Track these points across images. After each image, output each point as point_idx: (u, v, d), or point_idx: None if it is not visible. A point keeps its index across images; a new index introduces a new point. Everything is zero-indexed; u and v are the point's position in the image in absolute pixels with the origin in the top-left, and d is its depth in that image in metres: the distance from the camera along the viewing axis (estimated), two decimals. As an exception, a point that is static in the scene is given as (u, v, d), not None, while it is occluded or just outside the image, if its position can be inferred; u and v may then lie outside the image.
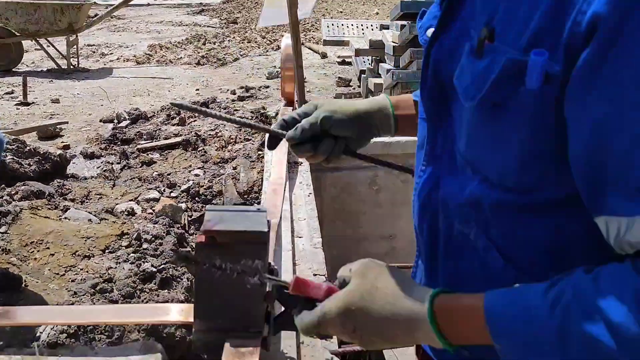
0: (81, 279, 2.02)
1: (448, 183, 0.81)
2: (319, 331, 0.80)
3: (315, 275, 1.73)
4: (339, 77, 6.77)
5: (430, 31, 0.83)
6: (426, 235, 0.87)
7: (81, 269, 2.09)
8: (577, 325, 0.59)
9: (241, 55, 8.40)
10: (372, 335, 0.73)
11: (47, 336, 1.74)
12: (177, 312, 1.18)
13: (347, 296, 0.75)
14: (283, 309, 1.16)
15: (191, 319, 1.18)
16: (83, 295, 1.96)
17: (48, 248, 2.18)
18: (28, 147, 2.94)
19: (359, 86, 6.36)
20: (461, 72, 0.72)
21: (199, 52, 8.52)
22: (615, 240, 0.60)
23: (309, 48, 8.86)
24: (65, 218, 2.46)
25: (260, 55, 8.48)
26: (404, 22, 4.59)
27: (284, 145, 2.87)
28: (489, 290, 0.68)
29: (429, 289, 0.72)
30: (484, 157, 0.74)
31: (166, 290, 2.09)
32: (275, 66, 7.14)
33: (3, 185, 2.61)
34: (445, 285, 0.77)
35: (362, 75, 6.04)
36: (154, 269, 2.11)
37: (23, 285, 1.93)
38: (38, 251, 2.16)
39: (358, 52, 5.78)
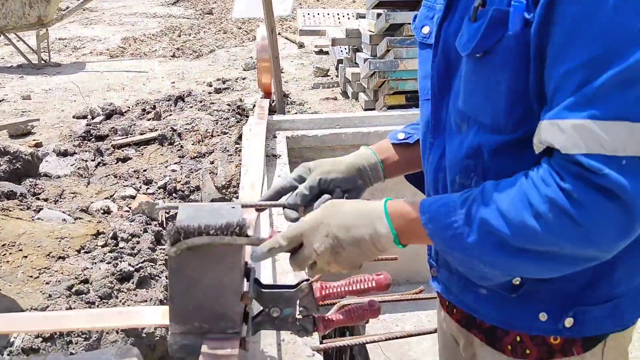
0: (56, 281, 1.98)
1: (449, 146, 0.95)
2: (298, 242, 0.93)
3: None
4: (317, 67, 6.73)
5: (426, 29, 1.00)
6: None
7: (56, 271, 2.04)
8: (478, 212, 0.79)
9: (217, 47, 8.29)
10: (341, 235, 0.88)
11: (22, 341, 1.70)
12: (153, 315, 1.15)
13: (321, 209, 0.93)
14: (261, 308, 1.15)
15: (167, 322, 1.15)
16: (58, 297, 1.92)
17: (21, 250, 2.12)
18: (-3, 147, 2.86)
19: (337, 76, 6.32)
20: (461, 34, 0.87)
21: (174, 45, 8.39)
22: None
23: (286, 38, 8.79)
24: (39, 218, 2.40)
25: (236, 46, 8.38)
26: (380, 11, 4.56)
27: (262, 136, 2.83)
28: None
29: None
30: (478, 104, 0.87)
31: (144, 289, 2.05)
32: (252, 57, 7.07)
33: (-28, 187, 2.53)
34: None
35: (340, 65, 6.01)
36: (132, 268, 2.07)
37: (-5, 289, 1.89)
38: (10, 254, 2.10)
39: (335, 42, 5.74)
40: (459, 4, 0.91)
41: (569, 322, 0.91)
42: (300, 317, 1.13)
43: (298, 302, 1.13)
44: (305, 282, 1.13)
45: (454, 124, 0.94)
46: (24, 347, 1.66)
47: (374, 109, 4.47)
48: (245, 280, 1.11)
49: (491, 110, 0.85)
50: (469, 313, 1.03)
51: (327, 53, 7.57)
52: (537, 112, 0.80)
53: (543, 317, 0.92)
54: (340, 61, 6.06)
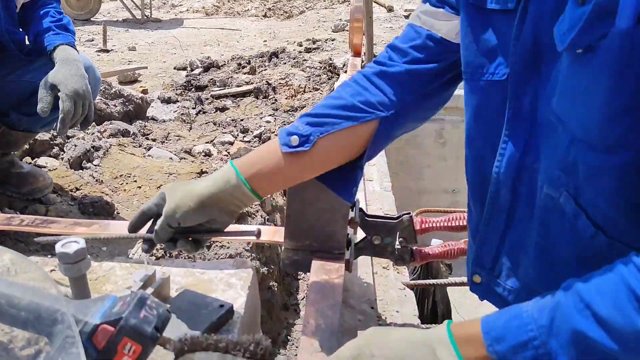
0: (166, 210, 2.19)
1: (539, 146, 0.79)
2: None
3: (386, 215, 1.80)
4: (406, 31, 6.65)
5: None
6: (524, 199, 0.84)
7: (165, 202, 2.26)
8: (568, 324, 0.58)
9: (307, 8, 8.35)
10: None
11: (139, 257, 1.92)
12: (264, 233, 1.28)
13: (362, 337, 0.73)
14: (363, 235, 1.25)
15: (276, 239, 1.28)
16: (168, 224, 2.14)
17: (135, 181, 2.35)
18: (113, 89, 3.13)
19: (427, 40, 6.23)
20: (562, 19, 0.68)
21: (265, 5, 8.55)
22: None
23: (375, 2, 8.68)
24: (149, 155, 2.63)
25: (325, 8, 8.40)
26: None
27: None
28: (582, 256, 0.72)
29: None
30: (571, 109, 0.71)
31: (242, 225, 2.23)
32: (341, 19, 7.08)
33: (93, 123, 2.81)
34: (537, 251, 0.82)
35: (431, 29, 5.91)
36: (231, 205, 2.25)
37: (115, 212, 2.12)
38: (127, 183, 2.34)
39: (428, 5, 5.67)
40: None
41: None
42: (399, 247, 1.22)
43: (398, 233, 1.22)
44: (406, 215, 1.21)
45: (548, 123, 0.77)
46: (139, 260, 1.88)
47: (465, 74, 4.39)
48: (350, 209, 1.22)
49: (583, 120, 0.68)
50: None
51: (417, 17, 7.43)
52: None
53: None
54: (431, 25, 5.97)
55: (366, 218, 1.19)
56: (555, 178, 0.76)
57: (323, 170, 0.99)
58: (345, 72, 3.54)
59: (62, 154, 2.40)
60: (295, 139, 0.93)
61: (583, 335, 0.57)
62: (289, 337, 2.41)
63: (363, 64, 4.29)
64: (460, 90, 3.14)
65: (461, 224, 1.18)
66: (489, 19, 0.82)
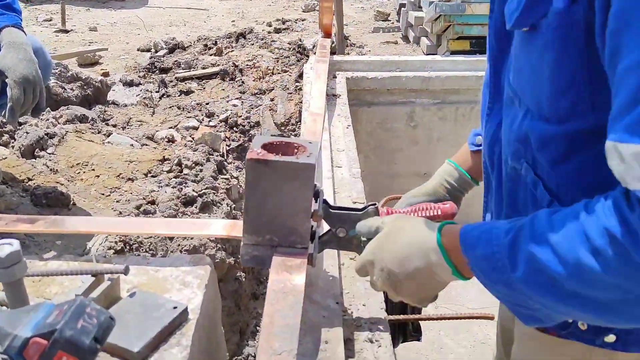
0: (126, 200, 2.09)
1: (505, 119, 0.85)
2: (362, 272, 0.95)
3: (354, 203, 1.74)
4: (378, 11, 6.56)
5: None
6: (496, 171, 0.91)
7: (125, 191, 2.16)
8: (525, 244, 0.65)
9: (277, -13, 8.16)
10: (394, 269, 0.83)
11: (97, 251, 1.83)
12: (222, 227, 1.21)
13: (375, 240, 0.91)
14: (327, 228, 1.18)
15: (235, 234, 1.21)
16: (128, 215, 2.03)
17: (93, 170, 2.24)
18: (70, 72, 2.98)
19: (398, 20, 6.15)
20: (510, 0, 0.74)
21: (234, -17, 8.32)
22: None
23: (347, -20, 8.53)
24: (109, 142, 2.52)
25: (296, -13, 8.23)
26: (450, -48, 4.35)
27: (324, 74, 2.81)
28: None
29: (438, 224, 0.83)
30: (524, 85, 0.76)
31: (207, 214, 2.15)
32: (311, -1, 6.94)
33: (48, 109, 2.66)
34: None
35: (402, 9, 5.83)
36: (195, 194, 2.16)
37: (71, 203, 2.01)
38: (84, 172, 2.23)
39: (399, -16, 5.57)
40: None
41: (610, 338, 0.80)
42: (364, 239, 1.17)
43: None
44: (371, 206, 1.15)
45: (508, 96, 0.83)
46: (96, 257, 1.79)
47: (436, 54, 4.35)
48: (314, 200, 1.15)
49: (535, 94, 0.73)
50: None
51: (388, -3, 7.34)
52: (599, 105, 0.64)
53: (583, 326, 0.81)
54: (402, 5, 5.88)
55: (330, 210, 1.13)
56: (515, 150, 0.81)
57: None
58: (315, 53, 3.44)
59: (13, 142, 2.27)
60: (479, 139, 1.09)
61: (535, 257, 0.64)
62: (258, 328, 2.35)
63: (333, 45, 4.20)
64: (428, 73, 3.05)
65: (428, 214, 1.13)
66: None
